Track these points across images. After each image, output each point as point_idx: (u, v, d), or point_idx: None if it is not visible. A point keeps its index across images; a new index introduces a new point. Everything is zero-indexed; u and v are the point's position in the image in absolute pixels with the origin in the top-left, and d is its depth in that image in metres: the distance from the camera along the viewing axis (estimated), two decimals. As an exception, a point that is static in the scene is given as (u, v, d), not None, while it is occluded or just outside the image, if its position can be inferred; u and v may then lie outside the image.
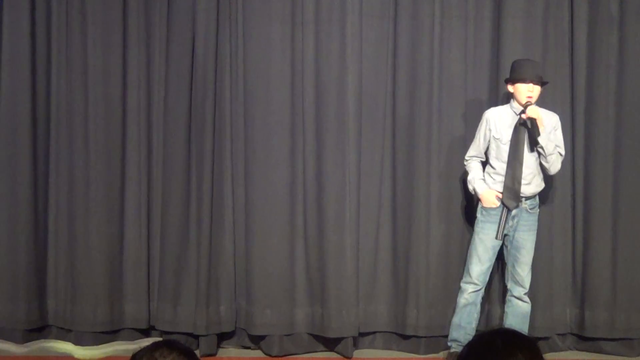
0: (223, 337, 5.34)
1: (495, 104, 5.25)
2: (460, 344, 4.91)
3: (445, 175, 5.30)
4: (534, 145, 4.77)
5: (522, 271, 4.88)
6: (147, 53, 5.36)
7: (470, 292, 4.91)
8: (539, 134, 4.70)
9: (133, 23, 5.33)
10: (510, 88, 4.86)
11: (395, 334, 5.34)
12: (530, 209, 4.87)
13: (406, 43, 5.27)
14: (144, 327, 5.38)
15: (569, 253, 5.34)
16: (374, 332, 5.36)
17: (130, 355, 2.02)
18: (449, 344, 5.01)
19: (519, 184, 4.79)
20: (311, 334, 5.29)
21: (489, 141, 4.92)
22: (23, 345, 5.29)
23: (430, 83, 5.24)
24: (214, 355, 5.20)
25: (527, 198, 4.84)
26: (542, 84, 4.82)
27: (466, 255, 5.28)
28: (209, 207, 5.23)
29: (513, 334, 1.94)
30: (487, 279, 4.97)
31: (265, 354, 5.27)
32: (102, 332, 5.32)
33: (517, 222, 4.86)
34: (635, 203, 5.25)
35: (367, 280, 5.32)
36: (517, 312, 4.89)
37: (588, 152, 5.29)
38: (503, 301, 5.26)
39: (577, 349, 5.35)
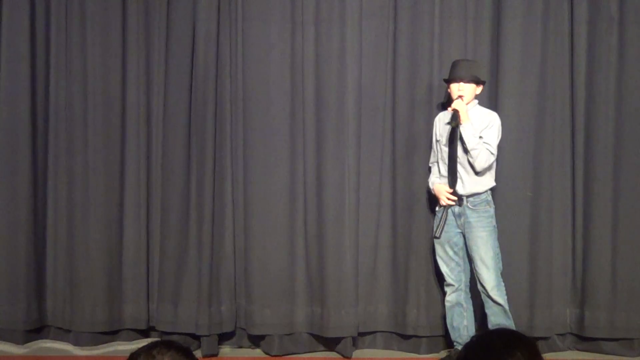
0: (223, 337, 5.34)
1: (495, 104, 5.26)
2: (459, 344, 4.91)
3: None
4: (454, 136, 4.84)
5: (481, 270, 4.83)
6: (147, 53, 5.37)
7: (450, 293, 4.95)
8: (455, 124, 4.77)
9: (133, 23, 5.34)
10: (449, 90, 4.94)
11: (395, 333, 5.34)
12: (473, 206, 4.85)
13: (406, 43, 5.27)
14: (143, 327, 5.38)
15: (569, 253, 5.34)
16: (374, 332, 5.36)
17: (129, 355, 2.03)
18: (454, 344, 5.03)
19: (455, 182, 4.87)
20: (311, 334, 5.29)
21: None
22: (22, 345, 5.29)
23: (430, 83, 5.24)
24: (215, 355, 5.20)
25: (470, 196, 4.85)
26: (477, 82, 4.85)
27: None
28: (210, 207, 5.23)
29: (511, 334, 1.94)
30: (463, 277, 4.94)
31: (265, 353, 5.27)
32: (101, 333, 5.32)
33: (464, 220, 4.87)
34: (635, 203, 5.24)
35: (367, 280, 5.32)
36: (495, 312, 4.85)
37: (588, 152, 5.29)
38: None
39: (577, 349, 5.34)
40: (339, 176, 5.21)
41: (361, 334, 5.32)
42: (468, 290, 4.99)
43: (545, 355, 5.07)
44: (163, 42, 5.34)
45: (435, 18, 5.25)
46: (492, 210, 4.90)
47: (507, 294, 5.14)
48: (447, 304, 4.96)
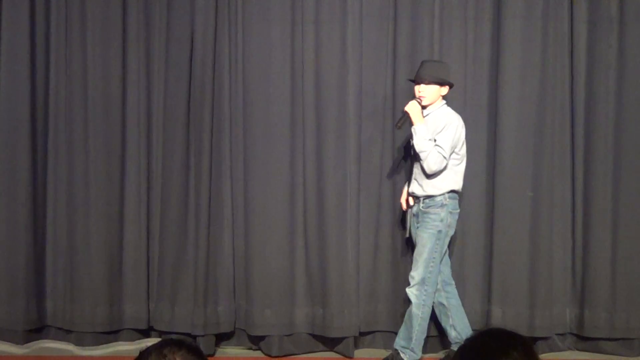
0: (222, 338, 5.34)
1: (495, 104, 5.26)
2: (456, 344, 4.92)
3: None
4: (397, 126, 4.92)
5: (415, 265, 4.85)
6: (146, 53, 5.36)
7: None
8: (398, 125, 4.86)
9: (133, 23, 5.33)
10: None
11: (396, 333, 5.31)
12: (426, 208, 4.85)
13: (406, 43, 5.27)
14: (144, 327, 5.38)
15: (569, 253, 5.34)
16: (375, 332, 5.36)
17: (131, 354, 2.02)
18: None
19: (411, 183, 4.92)
20: (311, 334, 5.29)
21: None
22: (22, 345, 5.29)
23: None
24: (211, 355, 5.20)
25: (426, 197, 4.85)
26: (441, 83, 4.83)
27: (466, 254, 5.31)
28: (207, 207, 5.23)
29: (506, 334, 1.93)
30: (440, 277, 4.93)
31: (265, 354, 5.27)
32: (102, 333, 5.32)
33: (416, 220, 4.90)
34: (635, 203, 5.25)
35: (368, 280, 5.32)
36: (451, 303, 4.91)
37: (588, 152, 5.29)
38: (503, 301, 5.27)
39: (577, 349, 5.35)
40: (340, 176, 5.21)
41: (362, 334, 5.33)
42: (449, 288, 4.98)
43: (545, 355, 5.11)
44: (163, 42, 5.34)
45: (435, 18, 5.25)
46: (443, 214, 4.81)
47: (505, 294, 5.16)
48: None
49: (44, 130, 5.37)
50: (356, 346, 5.30)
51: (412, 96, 5.21)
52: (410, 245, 5.20)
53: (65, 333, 5.37)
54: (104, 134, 5.30)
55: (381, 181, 5.31)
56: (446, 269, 4.99)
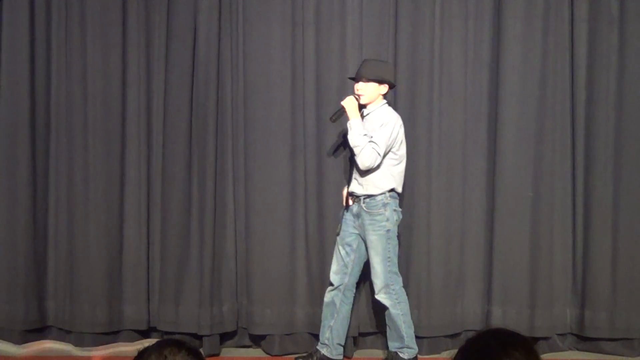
0: (224, 337, 5.34)
1: (495, 104, 5.26)
2: (323, 345, 4.95)
3: (446, 175, 5.29)
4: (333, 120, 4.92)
5: (371, 271, 4.85)
6: (147, 53, 5.36)
7: (329, 291, 4.96)
8: (333, 118, 4.86)
9: (133, 23, 5.33)
10: None
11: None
12: (367, 208, 4.82)
13: (406, 43, 5.27)
14: (144, 328, 5.38)
15: (569, 253, 5.34)
16: (375, 332, 5.35)
17: (130, 355, 2.01)
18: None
19: (350, 182, 4.90)
20: (311, 334, 5.28)
21: None
22: (22, 346, 5.28)
23: (430, 83, 5.24)
24: (217, 355, 5.20)
25: (366, 197, 4.83)
26: (380, 82, 4.83)
27: (466, 255, 5.30)
28: (212, 207, 5.22)
29: (506, 334, 1.93)
30: (346, 280, 4.92)
31: (266, 353, 5.28)
32: (101, 333, 5.32)
33: (361, 222, 4.86)
34: (635, 203, 5.24)
35: (367, 280, 5.31)
36: (386, 313, 4.86)
37: (588, 152, 5.29)
38: (503, 302, 5.27)
39: (577, 349, 5.35)
40: (340, 176, 5.20)
41: (362, 334, 5.32)
42: (349, 294, 4.95)
43: (546, 356, 5.11)
44: (163, 42, 5.33)
45: (435, 18, 5.24)
46: (387, 213, 4.80)
47: (506, 294, 5.16)
48: (324, 300, 4.98)
49: (44, 130, 5.37)
50: (356, 346, 5.30)
51: (410, 95, 5.24)
52: (415, 244, 5.24)
53: (65, 333, 5.37)
54: (104, 134, 5.30)
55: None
56: (355, 275, 4.96)
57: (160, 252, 5.35)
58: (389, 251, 4.80)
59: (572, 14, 5.28)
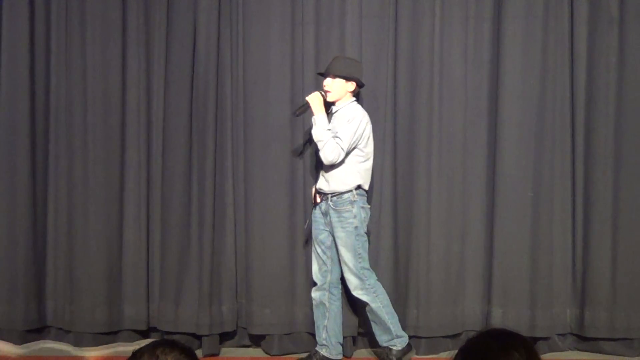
0: (224, 337, 5.34)
1: (495, 103, 5.26)
2: (322, 346, 4.97)
3: (446, 175, 5.29)
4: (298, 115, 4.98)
5: (343, 270, 4.86)
6: (147, 53, 5.36)
7: (315, 291, 4.99)
8: (297, 113, 4.91)
9: (133, 23, 5.33)
10: None
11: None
12: (335, 206, 4.84)
13: (406, 43, 5.27)
14: (144, 328, 5.38)
15: (569, 253, 5.33)
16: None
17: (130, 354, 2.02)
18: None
19: (318, 180, 4.94)
20: (311, 334, 5.28)
21: None
22: (21, 346, 5.28)
23: (430, 83, 5.24)
24: (216, 355, 5.20)
25: (333, 195, 4.84)
26: (347, 78, 4.85)
27: (466, 255, 5.30)
28: (211, 207, 5.23)
29: (506, 334, 1.93)
30: (329, 277, 4.94)
31: (266, 353, 5.28)
32: (101, 333, 5.32)
33: (329, 219, 4.88)
34: (635, 203, 5.24)
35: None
36: (368, 309, 4.87)
37: (588, 152, 5.29)
38: (503, 302, 5.26)
39: (577, 349, 5.35)
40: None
41: (361, 334, 5.32)
42: (335, 291, 4.97)
43: (546, 356, 5.11)
44: (163, 42, 5.34)
45: (435, 18, 5.24)
46: (355, 210, 4.82)
47: (506, 295, 5.15)
48: (313, 302, 5.01)
49: (44, 130, 5.37)
50: (356, 346, 5.30)
51: (410, 95, 5.24)
52: (415, 244, 5.24)
53: (65, 333, 5.37)
54: (104, 134, 5.30)
55: (381, 181, 5.29)
56: (337, 272, 4.96)
57: (160, 252, 5.35)
58: (358, 247, 4.82)
59: (572, 14, 5.27)
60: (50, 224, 5.40)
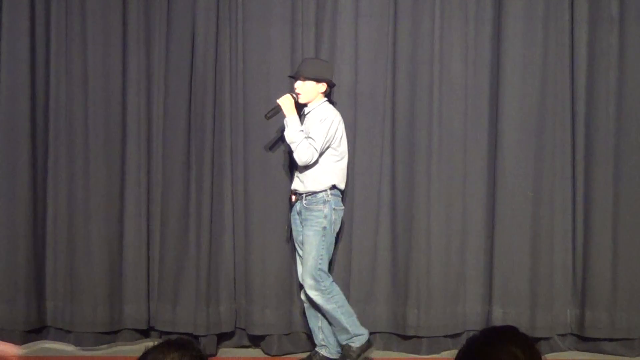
0: (223, 337, 5.33)
1: (495, 104, 5.26)
2: (322, 346, 4.97)
3: (446, 175, 5.29)
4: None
5: (305, 266, 4.85)
6: (147, 53, 5.36)
7: (303, 294, 4.98)
8: (267, 116, 4.91)
9: (133, 23, 5.33)
10: None
11: (395, 334, 5.33)
12: (308, 205, 4.85)
13: (406, 43, 5.27)
14: (144, 327, 5.37)
15: (569, 253, 5.33)
16: (374, 333, 5.33)
17: (130, 355, 2.02)
18: None
19: (293, 180, 4.97)
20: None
21: None
22: (22, 346, 5.26)
23: (430, 83, 5.24)
24: (214, 355, 5.19)
25: (308, 194, 4.85)
26: (317, 80, 4.86)
27: (466, 255, 5.30)
28: (209, 207, 5.23)
29: (506, 333, 1.93)
30: None
31: (265, 353, 5.27)
32: (101, 333, 5.31)
33: (302, 218, 4.89)
34: (636, 203, 5.24)
35: (367, 280, 5.31)
36: (324, 311, 4.86)
37: (588, 152, 5.29)
38: (503, 302, 5.26)
39: (578, 349, 5.35)
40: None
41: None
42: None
43: (546, 356, 5.07)
44: (163, 42, 5.34)
45: (435, 18, 5.24)
46: (326, 211, 4.83)
47: (506, 295, 5.15)
48: (304, 304, 5.01)
49: (44, 130, 5.37)
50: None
51: (410, 95, 5.24)
52: (415, 244, 5.24)
53: (65, 333, 5.37)
54: (104, 133, 5.30)
55: (381, 181, 5.30)
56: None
57: (158, 251, 5.34)
58: (322, 248, 4.82)
59: (572, 14, 5.28)
60: (50, 224, 5.40)
